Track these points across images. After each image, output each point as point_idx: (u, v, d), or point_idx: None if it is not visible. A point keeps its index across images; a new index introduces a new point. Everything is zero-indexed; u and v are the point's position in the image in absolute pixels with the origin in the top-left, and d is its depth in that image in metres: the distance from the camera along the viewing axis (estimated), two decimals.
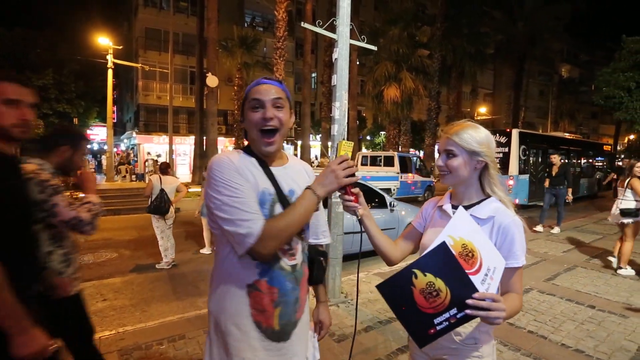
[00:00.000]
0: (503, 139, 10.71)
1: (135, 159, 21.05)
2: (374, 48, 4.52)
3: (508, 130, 10.89)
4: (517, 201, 10.41)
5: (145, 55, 22.04)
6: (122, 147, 29.60)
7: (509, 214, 1.13)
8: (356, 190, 1.18)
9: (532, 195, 11.11)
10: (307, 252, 1.29)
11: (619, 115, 16.91)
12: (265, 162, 1.18)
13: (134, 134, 23.74)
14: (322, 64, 19.83)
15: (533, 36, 23.70)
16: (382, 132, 25.52)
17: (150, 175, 5.26)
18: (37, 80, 20.66)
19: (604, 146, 18.24)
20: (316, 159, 25.04)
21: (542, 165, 11.54)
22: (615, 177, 9.05)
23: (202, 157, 16.37)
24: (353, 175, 1.12)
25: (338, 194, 1.19)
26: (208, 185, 1.10)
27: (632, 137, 33.26)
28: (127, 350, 2.77)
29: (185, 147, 23.65)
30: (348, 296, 3.87)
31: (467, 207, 1.15)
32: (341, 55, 3.64)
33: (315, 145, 25.90)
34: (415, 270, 0.92)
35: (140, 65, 18.93)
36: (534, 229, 7.51)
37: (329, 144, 3.89)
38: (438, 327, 0.92)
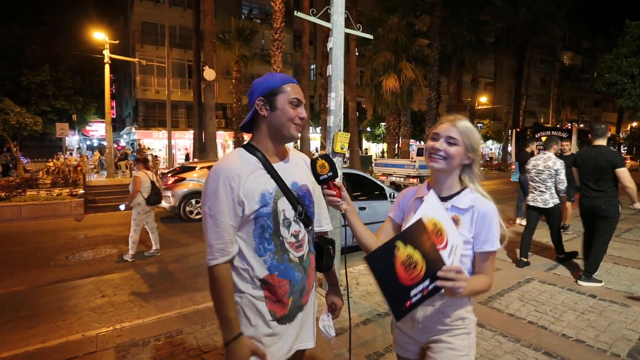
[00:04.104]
0: (564, 135, 12.97)
1: (135, 154, 20.98)
2: (370, 37, 4.43)
3: (569, 127, 14.05)
4: None
5: (143, 49, 21.86)
6: (122, 142, 29.55)
7: (486, 202, 1.20)
8: (339, 183, 1.20)
9: None
10: (313, 242, 1.37)
11: (622, 103, 16.69)
12: (267, 159, 1.25)
13: (133, 129, 23.68)
14: (321, 55, 19.62)
15: (534, 24, 23.35)
16: (383, 123, 25.35)
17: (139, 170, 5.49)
18: (33, 77, 20.59)
19: (616, 137, 20.73)
20: (316, 151, 24.96)
21: None
22: None
23: (201, 151, 16.31)
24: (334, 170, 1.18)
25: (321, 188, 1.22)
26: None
27: (634, 124, 33.00)
28: (124, 347, 2.75)
29: (185, 141, 23.59)
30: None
31: (447, 198, 1.23)
32: (336, 45, 3.56)
33: (314, 137, 25.78)
34: (398, 242, 0.98)
35: (137, 59, 18.75)
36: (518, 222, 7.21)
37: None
38: (413, 299, 1.00)
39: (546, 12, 23.30)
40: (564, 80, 36.35)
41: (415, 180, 13.10)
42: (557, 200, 4.52)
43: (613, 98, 18.55)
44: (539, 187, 4.54)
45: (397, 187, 13.37)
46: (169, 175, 8.97)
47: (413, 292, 0.99)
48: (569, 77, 36.63)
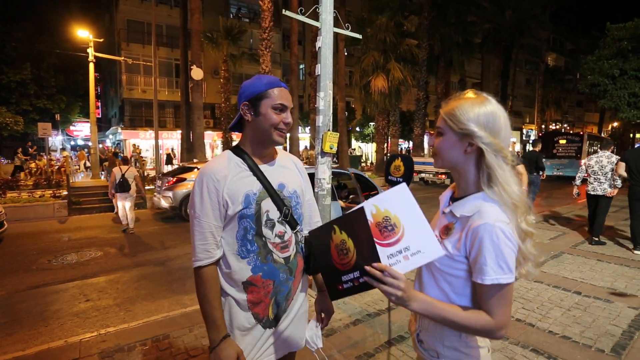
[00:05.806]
0: (577, 138, 16.88)
1: (121, 154, 20.58)
2: (359, 36, 4.43)
3: (582, 132, 17.71)
4: None
5: (128, 48, 21.45)
6: (108, 142, 28.96)
7: (489, 215, 0.88)
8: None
9: None
10: (302, 244, 1.34)
11: (604, 103, 17.13)
12: (253, 161, 1.25)
13: (120, 130, 23.21)
14: (310, 55, 19.61)
15: (520, 25, 23.78)
16: (372, 123, 25.44)
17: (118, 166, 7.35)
18: (14, 75, 20.04)
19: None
20: (306, 149, 24.89)
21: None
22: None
23: (189, 151, 16.08)
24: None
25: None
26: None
27: (615, 124, 33.88)
28: (109, 353, 2.68)
29: (172, 141, 23.24)
30: None
31: (455, 200, 1.02)
32: (325, 44, 3.54)
33: (304, 137, 25.72)
34: (335, 226, 0.96)
35: (123, 58, 18.38)
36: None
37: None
38: (344, 285, 0.95)
39: (531, 14, 23.75)
40: (548, 81, 37.11)
41: (443, 176, 14.02)
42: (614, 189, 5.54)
43: (595, 99, 19.07)
44: (599, 178, 5.54)
45: (426, 182, 15.42)
46: (169, 175, 9.07)
47: (344, 278, 0.95)
48: (553, 78, 37.43)
